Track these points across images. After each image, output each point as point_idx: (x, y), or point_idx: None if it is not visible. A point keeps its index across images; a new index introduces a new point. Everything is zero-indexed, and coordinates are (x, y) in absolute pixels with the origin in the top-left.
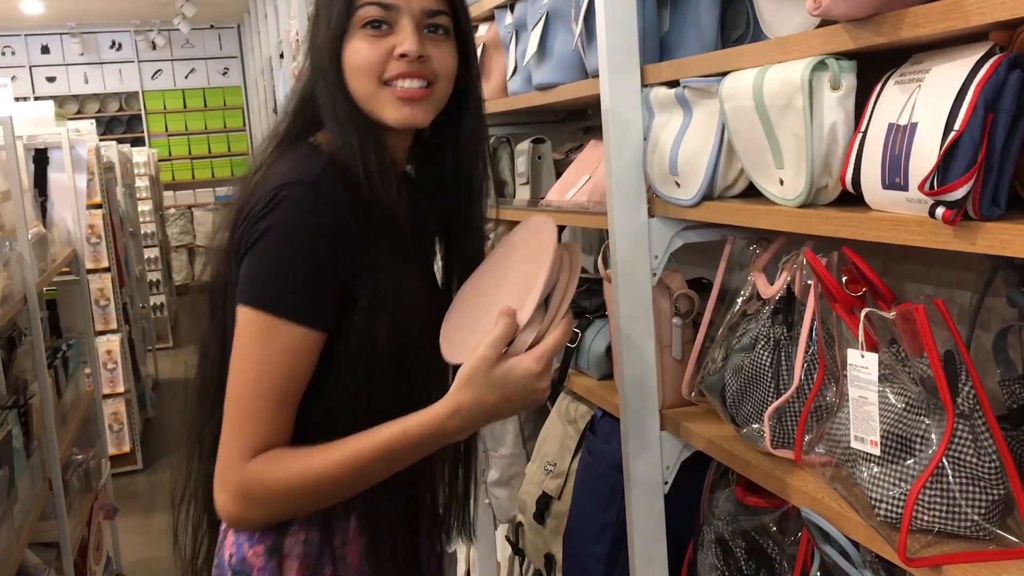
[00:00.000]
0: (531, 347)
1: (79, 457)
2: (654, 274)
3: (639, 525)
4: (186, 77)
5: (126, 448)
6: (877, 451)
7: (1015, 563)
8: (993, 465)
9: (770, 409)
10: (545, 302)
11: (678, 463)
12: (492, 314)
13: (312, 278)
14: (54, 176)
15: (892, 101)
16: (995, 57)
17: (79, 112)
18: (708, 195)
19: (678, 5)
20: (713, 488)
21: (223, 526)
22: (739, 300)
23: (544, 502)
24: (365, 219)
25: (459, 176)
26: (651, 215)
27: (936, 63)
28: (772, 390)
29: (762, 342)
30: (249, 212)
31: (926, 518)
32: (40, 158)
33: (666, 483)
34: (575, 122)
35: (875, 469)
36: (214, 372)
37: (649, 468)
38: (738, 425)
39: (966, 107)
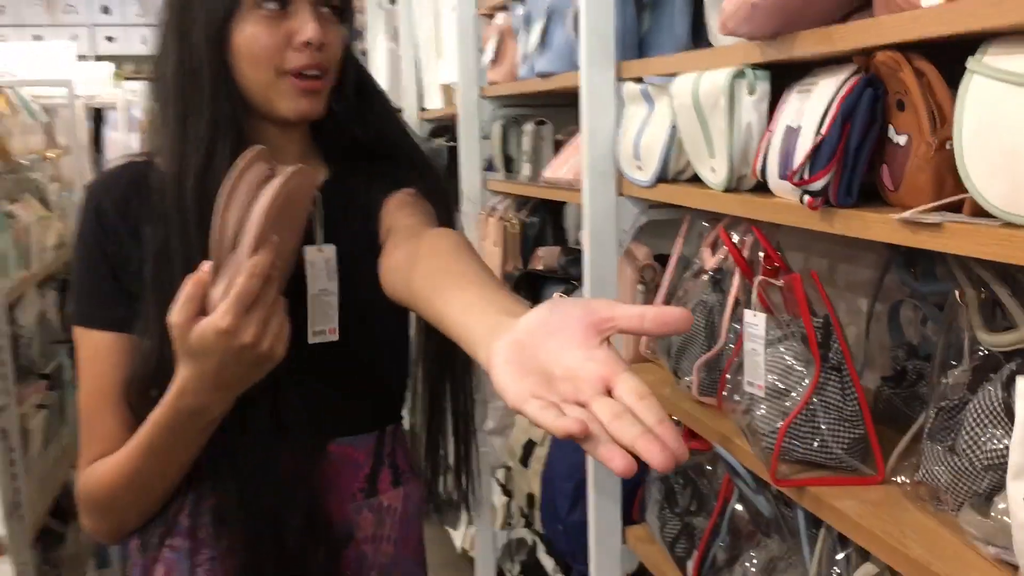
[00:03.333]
0: None
1: None
2: (621, 245)
3: (598, 466)
4: None
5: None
6: (763, 393)
7: (863, 488)
8: (854, 409)
9: (698, 363)
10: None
11: None
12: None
13: (87, 283)
14: (110, 134)
15: (791, 107)
16: (854, 77)
17: (137, 72)
18: (662, 178)
19: (656, 8)
20: None
21: None
22: (690, 272)
23: (529, 447)
24: (142, 219)
25: (384, 142)
26: (620, 194)
27: (822, 78)
28: (704, 347)
29: (700, 307)
30: None
31: (799, 450)
32: (98, 117)
33: None
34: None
35: (763, 408)
36: None
37: None
38: (678, 377)
39: (830, 116)
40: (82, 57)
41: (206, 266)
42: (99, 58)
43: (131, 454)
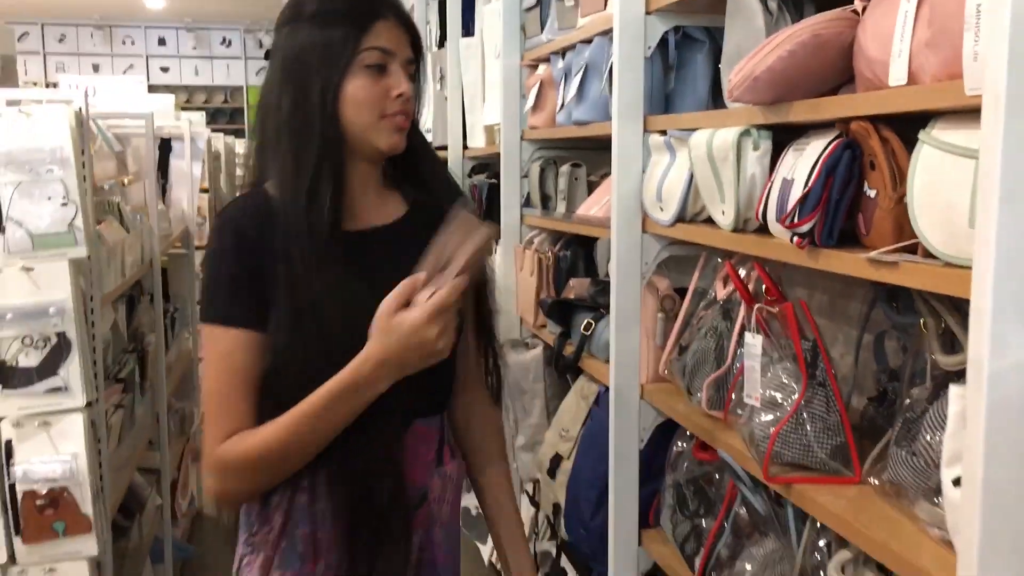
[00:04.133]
0: None
1: (179, 405)
2: (644, 277)
3: (619, 472)
4: None
5: None
6: (759, 404)
7: (842, 487)
8: (837, 420)
9: (707, 380)
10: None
11: (653, 426)
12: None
13: (225, 289)
14: (175, 162)
15: (787, 162)
16: (836, 140)
17: (188, 101)
18: (681, 218)
19: (681, 70)
20: (677, 447)
21: None
22: (704, 302)
23: (556, 461)
24: (275, 240)
25: (435, 174)
26: (644, 231)
27: (814, 139)
28: (713, 367)
29: (711, 332)
30: None
31: (788, 454)
32: (163, 147)
33: (642, 441)
34: (610, 150)
35: (759, 418)
36: None
37: (629, 428)
38: (690, 394)
39: (815, 172)
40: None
41: (421, 276)
42: (152, 88)
43: (294, 419)
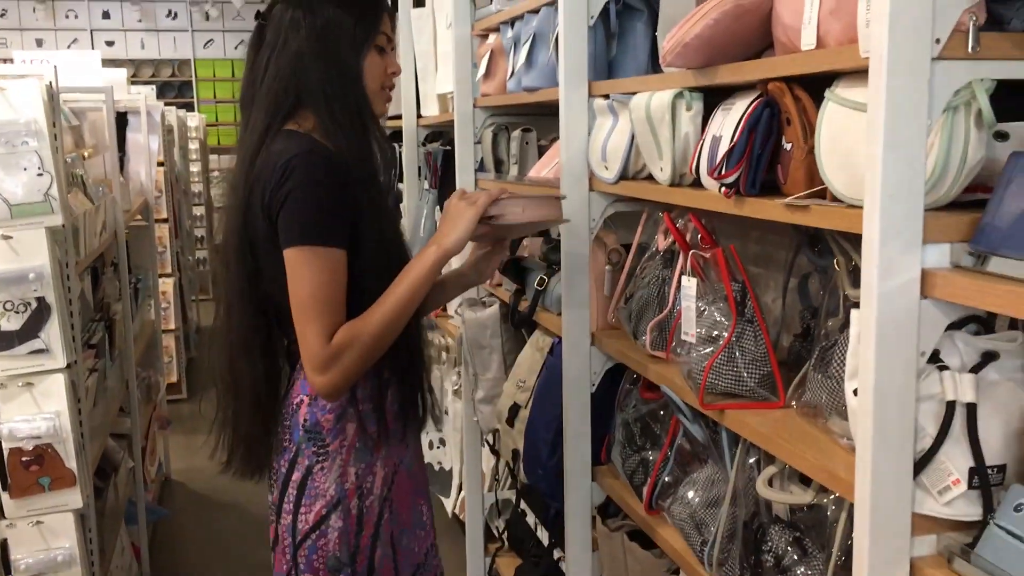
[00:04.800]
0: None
1: (144, 374)
2: (592, 232)
3: (572, 414)
4: (235, 48)
5: (174, 379)
6: (695, 340)
7: (770, 411)
8: (764, 352)
9: (650, 324)
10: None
11: (603, 370)
12: None
13: (328, 216)
14: (132, 136)
15: (716, 121)
16: (757, 99)
17: (134, 76)
18: (624, 176)
19: (622, 37)
20: (625, 388)
21: (294, 398)
22: (647, 255)
23: (514, 410)
24: (348, 174)
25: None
26: (591, 189)
27: (739, 99)
28: (656, 311)
29: (653, 280)
30: (267, 183)
31: (722, 384)
32: (120, 120)
33: (593, 384)
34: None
35: (696, 353)
36: (236, 319)
37: (581, 373)
38: (636, 337)
39: (739, 128)
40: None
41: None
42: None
43: (386, 299)
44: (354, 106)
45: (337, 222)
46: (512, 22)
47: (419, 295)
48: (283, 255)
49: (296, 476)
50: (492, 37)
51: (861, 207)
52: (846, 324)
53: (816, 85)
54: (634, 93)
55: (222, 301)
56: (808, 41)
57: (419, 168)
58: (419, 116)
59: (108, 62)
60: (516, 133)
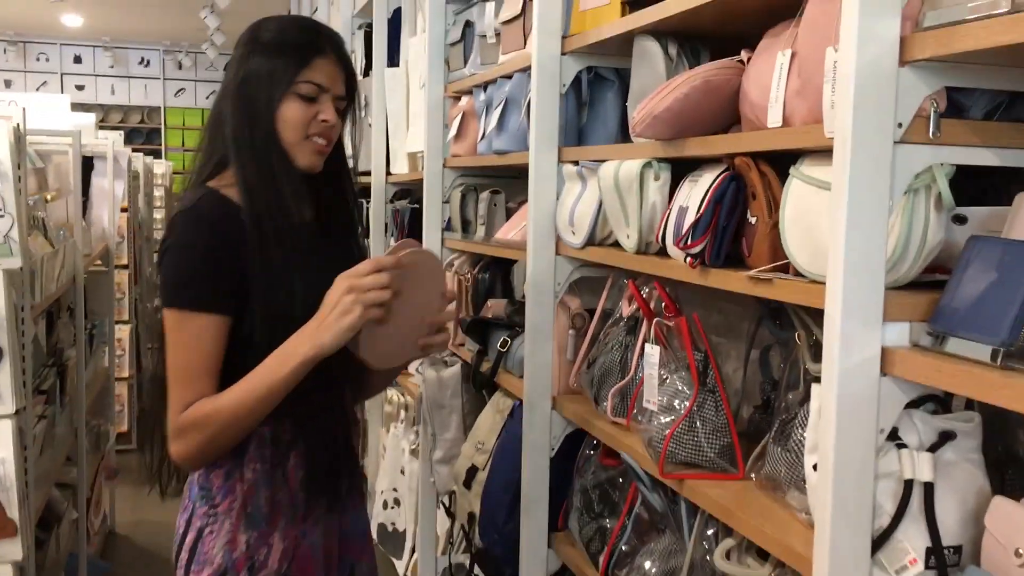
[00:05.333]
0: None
1: (94, 423)
2: (556, 296)
3: (531, 479)
4: (207, 97)
5: (124, 428)
6: (656, 408)
7: (729, 482)
8: (724, 422)
9: (612, 390)
10: None
11: (563, 435)
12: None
13: (199, 279)
14: (96, 181)
15: (684, 191)
16: (724, 173)
17: (103, 120)
18: (591, 241)
19: (593, 106)
20: (585, 454)
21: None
22: (611, 320)
23: (472, 472)
24: (239, 235)
25: (345, 195)
26: (558, 253)
27: (706, 172)
28: (618, 377)
29: (616, 346)
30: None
31: (682, 453)
32: (85, 164)
33: (552, 449)
34: (527, 179)
35: (657, 421)
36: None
37: (541, 437)
38: (597, 404)
39: (706, 200)
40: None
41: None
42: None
43: (243, 384)
44: (264, 160)
45: (208, 286)
46: (485, 86)
47: (278, 390)
48: None
49: (189, 537)
50: (464, 99)
51: (823, 282)
52: (806, 397)
53: (781, 161)
54: (603, 161)
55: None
56: (774, 119)
57: (385, 224)
58: (388, 173)
59: (77, 106)
60: (485, 195)
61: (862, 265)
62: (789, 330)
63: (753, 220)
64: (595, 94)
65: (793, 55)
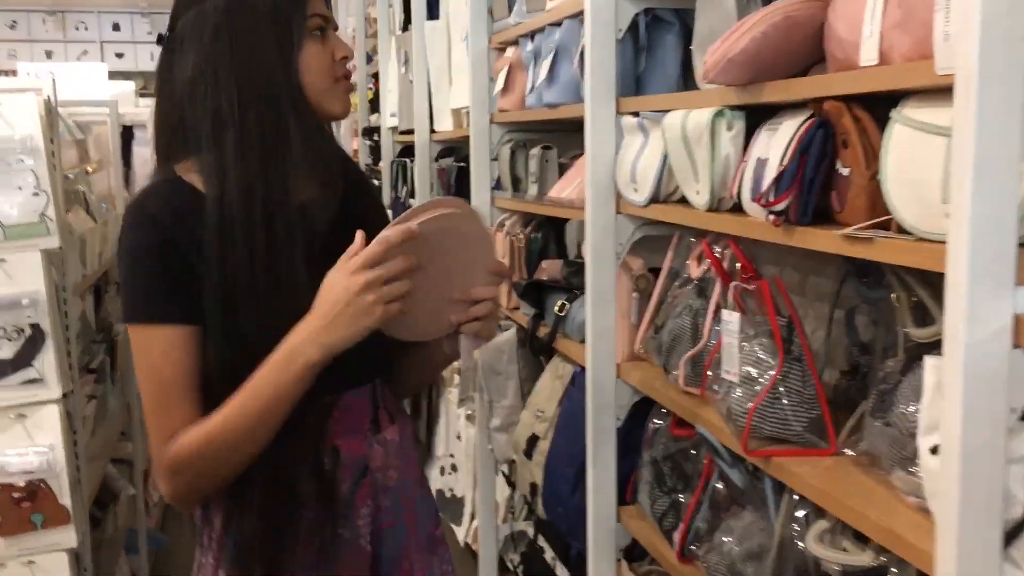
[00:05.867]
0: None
1: None
2: (618, 257)
3: (596, 451)
4: None
5: None
6: (737, 380)
7: (819, 458)
8: (812, 393)
9: (684, 358)
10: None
11: (629, 405)
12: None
13: (153, 285)
14: (137, 150)
15: (761, 142)
16: (809, 120)
17: (144, 88)
18: (655, 199)
19: (651, 52)
20: (654, 424)
21: None
22: (678, 281)
23: (533, 441)
24: (202, 230)
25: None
26: (618, 212)
27: (786, 119)
28: (690, 344)
29: (686, 310)
30: None
31: (766, 428)
32: (126, 134)
33: (619, 419)
34: (581, 132)
35: (737, 393)
36: None
37: (606, 407)
38: (667, 372)
39: (790, 150)
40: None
41: (359, 236)
42: (108, 74)
43: (235, 403)
44: (287, 121)
45: (163, 293)
46: (532, 35)
47: (280, 405)
48: None
49: (195, 564)
50: (510, 51)
51: (934, 241)
52: (908, 365)
53: (874, 105)
54: (667, 111)
55: None
56: (869, 56)
57: (431, 184)
58: (432, 131)
59: (118, 74)
60: (535, 150)
61: (991, 223)
62: (879, 289)
63: (846, 172)
64: (654, 39)
65: None
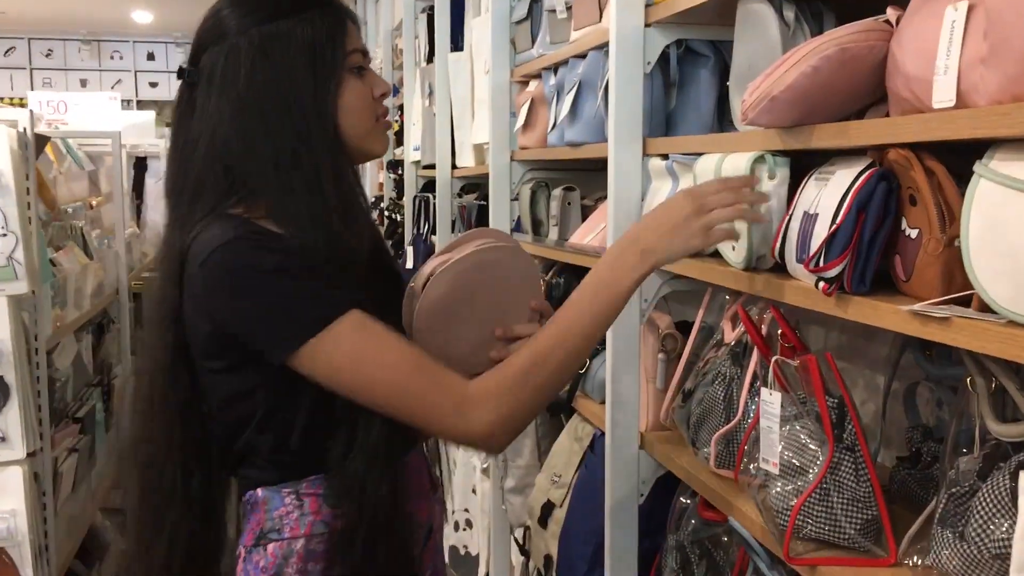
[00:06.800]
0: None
1: None
2: (643, 316)
3: (615, 531)
4: None
5: None
6: (777, 471)
7: (875, 570)
8: (867, 490)
9: (716, 435)
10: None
11: (653, 479)
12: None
13: (309, 286)
14: (150, 182)
15: (809, 193)
16: (869, 170)
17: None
18: None
19: (683, 88)
20: (681, 503)
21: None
22: (711, 343)
23: (548, 508)
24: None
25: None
26: None
27: (840, 167)
28: (722, 419)
29: (719, 379)
30: (192, 286)
31: (812, 529)
32: (140, 165)
33: (641, 495)
34: (606, 173)
35: (777, 486)
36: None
37: (627, 481)
38: (696, 448)
39: (845, 205)
40: (126, 102)
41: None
42: (140, 103)
43: (555, 328)
44: (324, 175)
45: (323, 287)
46: (556, 68)
47: (619, 306)
48: (280, 371)
49: None
50: (533, 84)
51: None
52: (988, 467)
53: (943, 155)
54: (700, 154)
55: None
56: (943, 97)
57: (453, 222)
58: (454, 167)
59: (150, 103)
60: (557, 191)
61: None
62: (947, 366)
63: (913, 234)
64: (686, 73)
65: (971, 7)
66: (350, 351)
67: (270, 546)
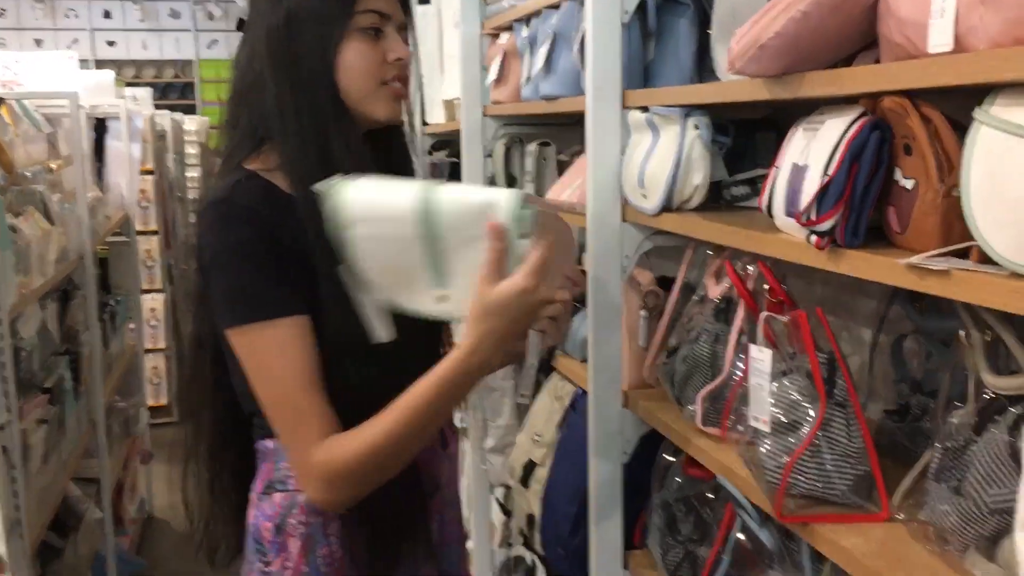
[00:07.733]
0: None
1: (121, 404)
2: (624, 271)
3: (600, 489)
4: None
5: (163, 401)
6: (768, 428)
7: (867, 525)
8: (859, 446)
9: (702, 392)
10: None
11: (636, 438)
12: None
13: (261, 279)
14: (111, 143)
15: (797, 144)
16: (861, 119)
17: (136, 76)
18: (667, 207)
19: (662, 38)
20: (664, 461)
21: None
22: (694, 299)
23: (529, 468)
24: (298, 229)
25: (402, 148)
26: (624, 220)
27: (829, 117)
28: (708, 377)
29: (704, 336)
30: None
31: (803, 485)
32: (100, 127)
33: (625, 454)
34: (582, 127)
35: (768, 443)
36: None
37: (610, 440)
38: (681, 406)
39: (837, 157)
40: (83, 61)
41: (499, 231)
42: (99, 63)
43: (401, 416)
44: (320, 129)
45: (273, 285)
46: (528, 19)
47: (451, 409)
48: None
49: None
50: (504, 37)
51: None
52: (983, 421)
53: (938, 101)
54: (680, 105)
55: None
56: (940, 41)
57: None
58: (424, 124)
59: (108, 63)
60: (532, 147)
61: None
62: (936, 318)
63: (908, 184)
64: (664, 23)
65: None
66: (258, 354)
67: (276, 496)
